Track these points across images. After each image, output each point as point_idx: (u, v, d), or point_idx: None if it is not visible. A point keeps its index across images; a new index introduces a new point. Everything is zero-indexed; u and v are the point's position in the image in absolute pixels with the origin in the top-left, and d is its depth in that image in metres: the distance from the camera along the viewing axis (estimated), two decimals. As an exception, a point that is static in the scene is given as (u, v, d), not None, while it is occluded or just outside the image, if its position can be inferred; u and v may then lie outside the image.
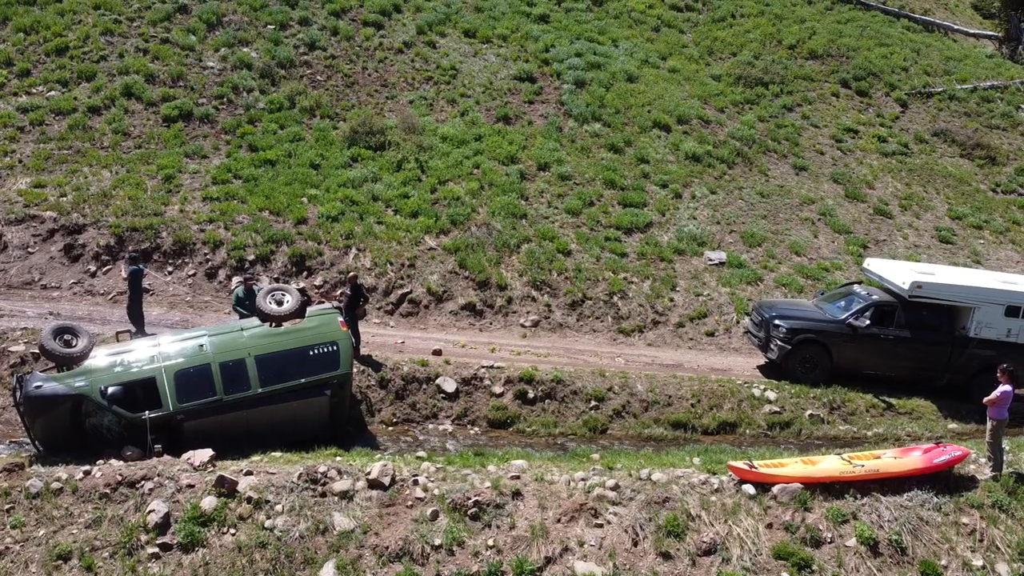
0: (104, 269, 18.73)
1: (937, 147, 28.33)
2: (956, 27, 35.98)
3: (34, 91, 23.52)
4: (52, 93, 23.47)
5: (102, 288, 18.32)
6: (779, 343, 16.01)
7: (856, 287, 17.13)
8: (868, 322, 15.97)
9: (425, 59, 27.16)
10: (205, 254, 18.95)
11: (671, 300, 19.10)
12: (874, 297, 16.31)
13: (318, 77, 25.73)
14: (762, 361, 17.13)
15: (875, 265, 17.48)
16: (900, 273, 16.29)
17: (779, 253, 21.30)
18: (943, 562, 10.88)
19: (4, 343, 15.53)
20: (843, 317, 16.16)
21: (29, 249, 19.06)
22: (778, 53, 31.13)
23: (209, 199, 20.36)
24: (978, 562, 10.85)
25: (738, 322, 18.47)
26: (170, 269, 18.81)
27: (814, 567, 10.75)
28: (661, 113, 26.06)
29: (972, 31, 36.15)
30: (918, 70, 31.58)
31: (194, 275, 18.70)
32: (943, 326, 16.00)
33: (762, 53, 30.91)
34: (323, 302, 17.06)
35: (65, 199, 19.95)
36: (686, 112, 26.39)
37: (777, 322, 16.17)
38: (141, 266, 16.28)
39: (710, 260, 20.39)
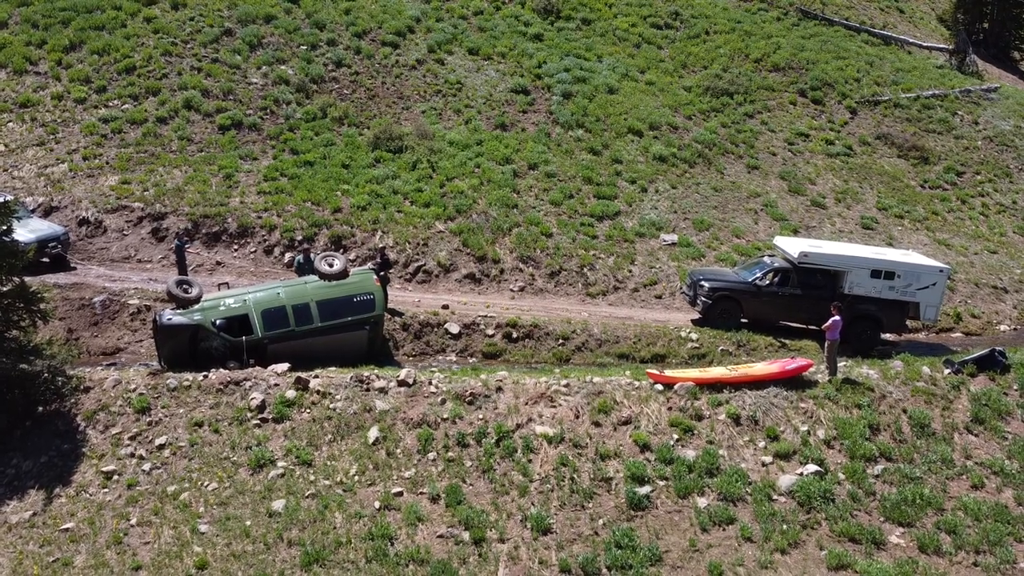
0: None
1: (878, 149, 34.68)
2: (911, 41, 42.34)
3: (111, 104, 30.20)
4: (126, 106, 30.15)
5: (183, 262, 24.88)
6: (703, 299, 22.35)
7: (765, 257, 23.47)
8: (768, 282, 22.33)
9: (435, 74, 33.72)
10: (263, 235, 25.52)
11: (630, 271, 25.54)
12: (775, 263, 22.65)
13: (345, 91, 32.35)
14: (695, 316, 23.48)
15: (780, 241, 23.83)
16: (795, 245, 22.65)
17: (722, 236, 27.70)
18: (781, 428, 17.27)
19: (123, 298, 22.15)
20: (751, 279, 22.51)
21: (124, 232, 25.68)
22: (744, 66, 37.51)
23: (263, 193, 26.95)
24: (804, 428, 17.24)
25: (680, 288, 24.84)
26: (236, 247, 25.40)
27: (695, 432, 17.17)
28: (635, 121, 32.51)
29: (926, 44, 42.48)
30: (869, 80, 37.92)
31: (255, 252, 25.29)
32: (827, 285, 22.25)
33: (730, 66, 37.30)
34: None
35: (148, 193, 26.57)
36: (657, 119, 32.84)
37: (702, 283, 22.52)
38: (181, 242, 23.59)
39: (664, 241, 26.80)
